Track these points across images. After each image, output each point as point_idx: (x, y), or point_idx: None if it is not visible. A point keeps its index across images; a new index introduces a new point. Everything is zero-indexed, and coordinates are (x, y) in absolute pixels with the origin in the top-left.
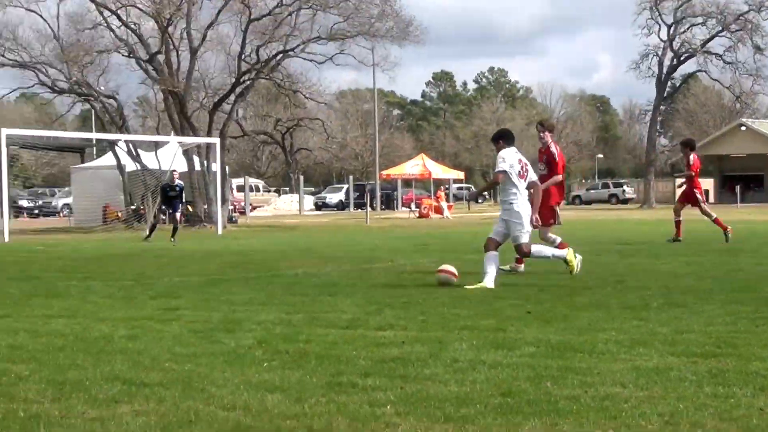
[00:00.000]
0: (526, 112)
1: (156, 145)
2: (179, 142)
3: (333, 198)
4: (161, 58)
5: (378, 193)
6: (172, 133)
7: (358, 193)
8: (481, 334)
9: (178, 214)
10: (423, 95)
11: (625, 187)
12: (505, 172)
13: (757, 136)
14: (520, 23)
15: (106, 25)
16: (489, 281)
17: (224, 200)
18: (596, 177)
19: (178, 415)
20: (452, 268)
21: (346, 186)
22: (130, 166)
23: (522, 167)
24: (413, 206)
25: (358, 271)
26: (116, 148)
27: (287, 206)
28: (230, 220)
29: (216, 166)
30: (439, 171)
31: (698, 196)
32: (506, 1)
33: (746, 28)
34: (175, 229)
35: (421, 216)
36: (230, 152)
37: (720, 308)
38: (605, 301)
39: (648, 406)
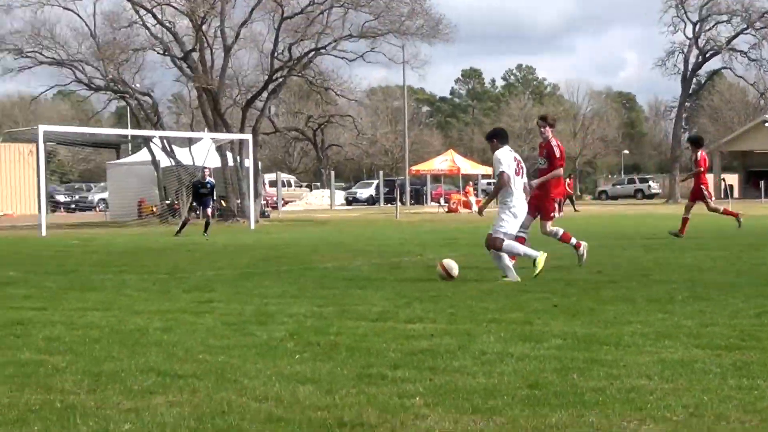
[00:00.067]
0: (553, 109)
1: (190, 142)
2: (213, 139)
3: (363, 193)
4: (195, 55)
5: (407, 189)
6: (206, 129)
7: (388, 189)
8: (509, 327)
9: (209, 210)
10: (452, 92)
11: (650, 183)
12: (505, 171)
13: None
14: (548, 21)
15: (141, 23)
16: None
17: (257, 195)
18: (622, 172)
19: (212, 406)
20: (452, 265)
21: (376, 181)
22: (164, 161)
23: (517, 165)
24: (442, 201)
25: (387, 264)
26: (151, 144)
27: (318, 201)
28: (263, 214)
29: (249, 162)
30: (468, 166)
31: (705, 192)
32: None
33: None
34: (207, 224)
35: (449, 211)
36: (263, 148)
37: (744, 302)
38: (631, 295)
39: (673, 398)
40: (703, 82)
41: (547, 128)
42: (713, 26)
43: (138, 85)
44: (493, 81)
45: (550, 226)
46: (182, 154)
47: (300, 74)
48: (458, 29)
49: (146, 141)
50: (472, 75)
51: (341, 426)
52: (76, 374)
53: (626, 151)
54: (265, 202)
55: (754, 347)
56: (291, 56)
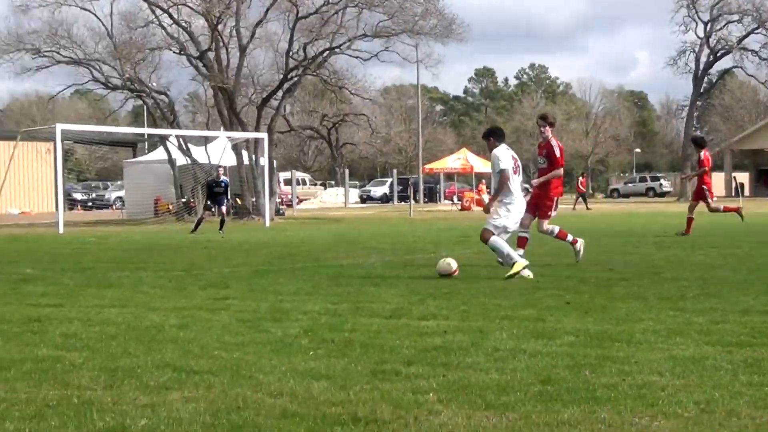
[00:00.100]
0: (566, 108)
1: (206, 140)
2: (228, 137)
3: (377, 191)
4: (211, 55)
5: (421, 187)
6: (222, 128)
7: (401, 187)
8: (522, 323)
9: (224, 208)
10: (465, 91)
11: (662, 181)
12: (505, 169)
13: None
14: (561, 21)
15: (158, 23)
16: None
17: (272, 193)
18: (634, 171)
19: (227, 402)
20: (453, 265)
21: (390, 179)
22: (180, 160)
23: (514, 163)
24: (455, 199)
25: (401, 262)
26: (167, 142)
27: (333, 199)
28: (278, 212)
29: (264, 160)
30: (481, 165)
31: (706, 192)
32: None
33: None
34: (222, 222)
35: (463, 209)
36: (278, 147)
37: (755, 299)
38: (642, 292)
39: (684, 394)
40: (714, 81)
41: (547, 128)
42: (724, 26)
43: (154, 84)
44: (506, 80)
45: (546, 224)
46: (198, 153)
47: (315, 73)
48: (471, 29)
49: (162, 139)
50: (485, 74)
51: (355, 421)
52: (93, 370)
53: (638, 150)
54: (280, 200)
55: (764, 344)
56: (306, 55)
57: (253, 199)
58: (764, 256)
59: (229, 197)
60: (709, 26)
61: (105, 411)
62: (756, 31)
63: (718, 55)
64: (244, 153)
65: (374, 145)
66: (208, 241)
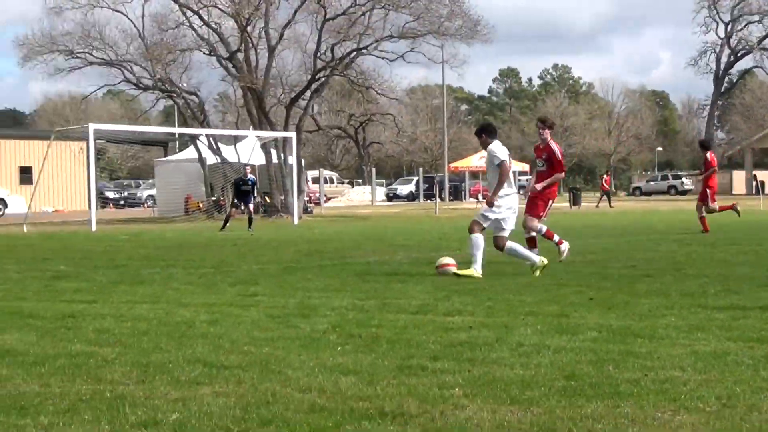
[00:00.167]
0: (589, 107)
1: (235, 139)
2: (257, 137)
3: (404, 189)
4: (241, 56)
5: (446, 185)
6: (251, 127)
7: (427, 185)
8: (546, 319)
9: (251, 206)
10: (490, 91)
11: (683, 179)
12: (505, 160)
13: None
14: (584, 22)
15: (188, 24)
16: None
17: (300, 191)
18: (656, 169)
19: (257, 396)
20: (451, 261)
21: (416, 178)
22: (210, 159)
23: (509, 160)
24: (480, 197)
25: (427, 259)
26: (198, 142)
27: (360, 197)
28: (306, 210)
29: (292, 159)
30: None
31: (708, 192)
32: (570, 1)
33: None
34: (250, 220)
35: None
36: (306, 146)
37: None
38: (665, 289)
39: (706, 389)
40: (734, 80)
41: (546, 130)
42: (744, 26)
43: (185, 84)
44: (530, 80)
45: (535, 222)
46: (228, 152)
47: (342, 74)
48: (496, 30)
49: (193, 139)
50: (509, 74)
51: (382, 416)
52: (125, 365)
53: (660, 149)
54: (308, 198)
55: None
56: (333, 56)
57: (282, 198)
58: None
59: (255, 195)
60: (729, 27)
61: (137, 405)
62: None
63: (739, 55)
64: (273, 152)
65: (400, 144)
66: (237, 238)
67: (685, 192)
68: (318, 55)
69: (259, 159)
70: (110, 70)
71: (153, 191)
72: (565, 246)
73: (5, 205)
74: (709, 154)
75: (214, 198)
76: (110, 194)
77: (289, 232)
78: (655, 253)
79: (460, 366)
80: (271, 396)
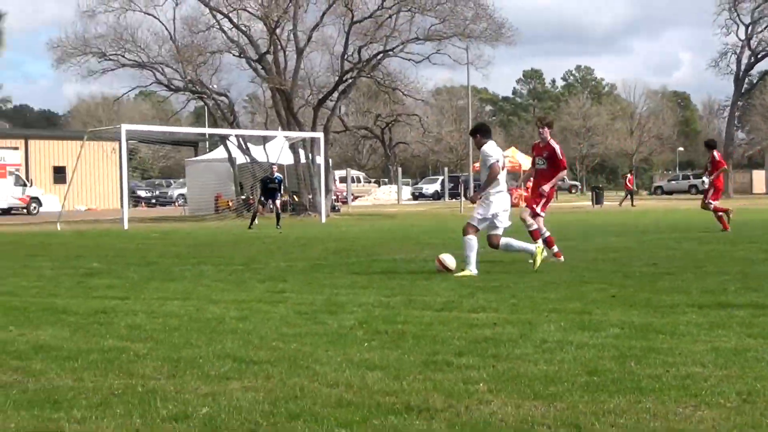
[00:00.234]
0: (611, 108)
1: (264, 140)
2: (286, 137)
3: (429, 188)
4: (270, 58)
5: (471, 184)
6: (279, 128)
7: (452, 184)
8: (569, 316)
9: (278, 202)
10: (514, 92)
11: (704, 179)
12: (497, 161)
13: None
14: (606, 24)
15: (218, 27)
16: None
17: (328, 190)
18: (677, 169)
19: (285, 391)
20: (450, 261)
21: (441, 177)
22: (240, 159)
23: (503, 160)
24: None
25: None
26: (227, 142)
27: (386, 196)
28: (333, 209)
29: (320, 159)
30: (529, 163)
31: (710, 191)
32: (593, 1)
33: None
34: (278, 217)
35: (511, 205)
36: (333, 146)
37: None
38: (686, 286)
39: (726, 385)
40: (755, 81)
41: (545, 129)
42: (765, 28)
43: (215, 86)
44: (553, 81)
45: (528, 216)
46: (257, 152)
47: (369, 75)
48: (520, 32)
49: (223, 139)
50: (533, 75)
51: (408, 410)
52: (157, 360)
53: (681, 149)
54: (335, 197)
55: None
56: (360, 58)
57: (310, 196)
58: None
59: (282, 192)
60: (750, 28)
61: (168, 399)
62: None
63: (759, 56)
64: (301, 152)
65: (426, 144)
66: (266, 236)
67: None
68: (345, 57)
69: (287, 159)
70: (142, 72)
71: (184, 190)
72: (560, 260)
73: (40, 204)
74: (716, 154)
75: (243, 197)
76: (142, 193)
77: (316, 231)
78: (676, 251)
79: (485, 362)
80: (299, 391)
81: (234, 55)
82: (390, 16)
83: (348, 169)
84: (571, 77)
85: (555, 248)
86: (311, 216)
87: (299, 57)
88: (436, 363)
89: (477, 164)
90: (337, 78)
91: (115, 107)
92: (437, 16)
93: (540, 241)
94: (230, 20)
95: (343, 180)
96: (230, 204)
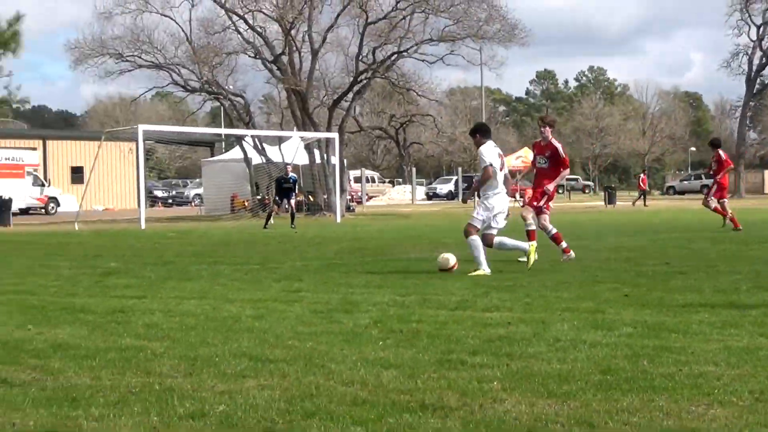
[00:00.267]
0: (623, 108)
1: (280, 140)
2: (301, 137)
3: (443, 188)
4: (285, 59)
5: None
6: (295, 128)
7: (466, 184)
8: (582, 315)
9: (293, 201)
10: (527, 92)
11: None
12: (491, 165)
13: None
14: (618, 24)
15: (234, 28)
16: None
17: (342, 190)
18: (689, 169)
19: (301, 389)
20: (452, 260)
21: (455, 177)
22: (256, 159)
23: (501, 161)
24: (518, 196)
25: (466, 256)
26: (243, 142)
27: (400, 196)
28: (348, 208)
29: (335, 159)
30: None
31: (714, 188)
32: (605, 3)
33: None
34: (293, 216)
35: (524, 205)
36: (348, 146)
37: None
38: (698, 285)
39: (739, 384)
40: (766, 82)
41: (547, 128)
42: None
43: (231, 86)
44: (566, 82)
45: (530, 215)
46: (272, 152)
47: (383, 76)
48: (533, 33)
49: (239, 139)
50: (546, 76)
51: (423, 409)
52: (174, 359)
53: (693, 149)
54: (350, 197)
55: None
56: (375, 59)
57: (325, 196)
58: None
59: (297, 192)
60: (761, 29)
61: (185, 397)
62: None
63: None
64: (316, 152)
65: (440, 145)
66: (282, 236)
67: None
68: (360, 57)
69: (302, 159)
70: (159, 73)
71: (200, 190)
72: (571, 255)
73: (58, 204)
74: (722, 154)
75: (259, 197)
76: (159, 193)
77: (331, 230)
78: (689, 251)
79: (499, 360)
80: (315, 389)
81: (249, 56)
82: (404, 18)
83: (362, 169)
84: (584, 78)
85: (564, 244)
86: (326, 216)
87: (314, 58)
88: (451, 362)
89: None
90: (351, 79)
91: (132, 108)
92: (451, 17)
93: (534, 242)
94: (246, 21)
95: (357, 180)
96: (246, 204)
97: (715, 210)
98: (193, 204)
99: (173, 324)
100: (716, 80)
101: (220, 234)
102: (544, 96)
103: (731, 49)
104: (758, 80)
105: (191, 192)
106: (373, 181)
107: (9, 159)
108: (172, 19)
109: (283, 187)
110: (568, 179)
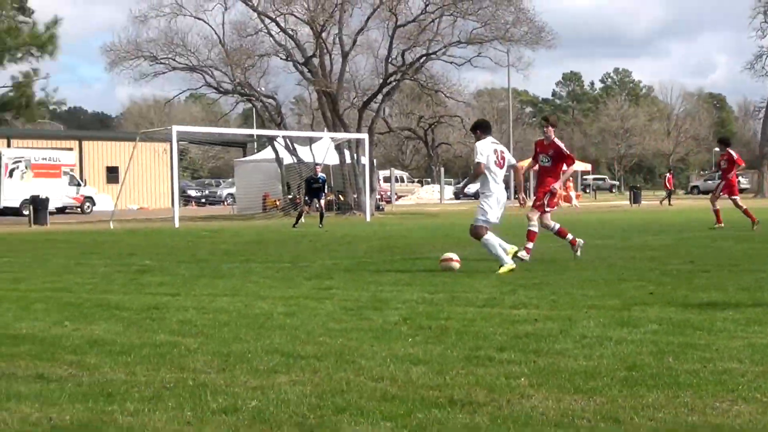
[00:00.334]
0: (648, 109)
1: (310, 141)
2: (331, 138)
3: (471, 188)
4: (316, 61)
5: (512, 184)
6: (325, 129)
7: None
8: (608, 312)
9: (322, 201)
10: (553, 94)
11: (740, 178)
12: (483, 161)
13: None
14: (643, 27)
15: (266, 31)
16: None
17: (372, 190)
18: (713, 169)
19: (331, 385)
20: (455, 257)
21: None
22: (287, 159)
23: (498, 156)
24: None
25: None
26: (275, 143)
27: (429, 195)
28: (377, 208)
29: (365, 159)
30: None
31: (721, 186)
32: (631, 5)
33: None
34: (321, 215)
35: (552, 206)
36: (377, 146)
37: None
38: (722, 283)
39: (763, 380)
40: None
41: (550, 128)
42: None
43: (263, 88)
44: (592, 83)
45: (535, 216)
46: (303, 152)
47: (412, 78)
48: (560, 35)
49: (270, 140)
50: (572, 78)
51: (452, 404)
52: (207, 355)
53: (716, 149)
54: (379, 196)
55: None
56: (404, 61)
57: (355, 196)
58: None
59: (326, 192)
60: None
61: (218, 393)
62: None
63: None
64: (347, 152)
65: (468, 145)
66: (312, 234)
67: (741, 190)
68: (389, 60)
69: (333, 159)
70: (192, 75)
71: (232, 190)
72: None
73: (93, 203)
74: (734, 153)
75: (290, 196)
76: (192, 192)
77: (361, 229)
78: (713, 250)
79: (526, 357)
80: (345, 385)
81: (281, 58)
82: (433, 21)
83: (392, 169)
84: (609, 79)
85: (569, 236)
86: (356, 215)
87: (344, 60)
88: (479, 358)
89: (518, 164)
90: (381, 81)
91: (166, 109)
92: (479, 20)
93: (514, 265)
94: (278, 24)
95: (387, 180)
96: (277, 203)
97: (715, 212)
98: (225, 203)
99: (206, 321)
100: (740, 82)
101: (251, 233)
102: (570, 97)
103: (755, 51)
104: None
105: (224, 191)
106: (402, 180)
107: (46, 159)
108: (205, 22)
109: (313, 188)
110: (595, 179)
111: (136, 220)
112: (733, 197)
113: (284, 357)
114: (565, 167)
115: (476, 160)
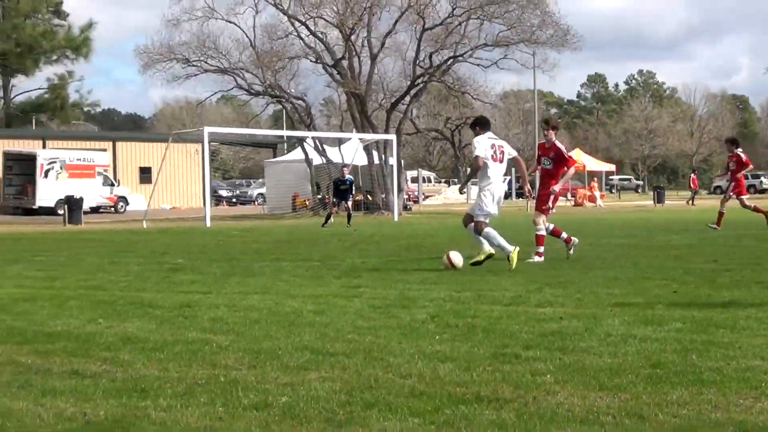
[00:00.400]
0: (672, 111)
1: (339, 141)
2: (360, 139)
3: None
4: (345, 63)
5: (537, 184)
6: (354, 130)
7: (519, 184)
8: (632, 311)
9: (349, 203)
10: (578, 95)
11: (762, 179)
12: (481, 155)
13: None
14: (667, 29)
15: (296, 34)
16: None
17: (400, 190)
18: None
19: (360, 381)
20: (457, 259)
21: (508, 177)
22: (316, 160)
23: (495, 150)
24: (569, 195)
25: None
26: (305, 144)
27: (456, 196)
28: (405, 207)
29: (393, 160)
30: (593, 164)
31: (731, 187)
32: (655, 8)
33: None
34: (349, 216)
35: (576, 204)
36: (405, 147)
37: None
38: (745, 282)
39: None
40: None
41: (550, 131)
42: None
43: (293, 90)
44: (617, 85)
45: (541, 220)
46: (332, 153)
47: (439, 80)
48: (585, 38)
49: (300, 141)
50: (596, 79)
51: (478, 400)
52: (238, 352)
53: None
54: (407, 196)
55: None
56: (431, 63)
57: (383, 196)
58: None
59: (354, 193)
60: None
61: (249, 389)
62: None
63: None
64: (375, 153)
65: None
66: (342, 234)
67: (763, 190)
68: (417, 62)
69: (361, 160)
70: (224, 77)
71: (263, 190)
72: (574, 241)
73: (127, 203)
74: (742, 154)
75: (319, 196)
76: (223, 192)
77: (389, 228)
78: (735, 249)
79: (552, 354)
80: (374, 381)
81: (311, 60)
82: (460, 24)
83: (419, 169)
84: (633, 81)
85: (564, 234)
86: (384, 214)
87: (373, 62)
88: (505, 355)
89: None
90: (409, 82)
91: (198, 111)
92: (505, 23)
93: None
94: (307, 27)
95: (414, 180)
96: (307, 203)
97: (720, 214)
98: (256, 203)
99: (237, 318)
100: (763, 83)
101: (282, 232)
102: (595, 99)
103: None
104: None
105: (254, 191)
106: (429, 181)
107: (80, 160)
108: (236, 25)
109: (340, 189)
110: (620, 179)
111: (169, 219)
112: (740, 197)
113: (314, 354)
114: (565, 169)
115: (474, 154)
